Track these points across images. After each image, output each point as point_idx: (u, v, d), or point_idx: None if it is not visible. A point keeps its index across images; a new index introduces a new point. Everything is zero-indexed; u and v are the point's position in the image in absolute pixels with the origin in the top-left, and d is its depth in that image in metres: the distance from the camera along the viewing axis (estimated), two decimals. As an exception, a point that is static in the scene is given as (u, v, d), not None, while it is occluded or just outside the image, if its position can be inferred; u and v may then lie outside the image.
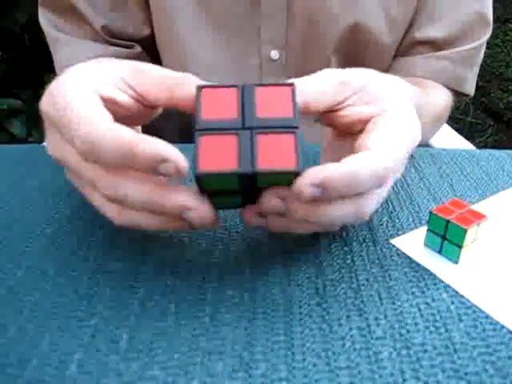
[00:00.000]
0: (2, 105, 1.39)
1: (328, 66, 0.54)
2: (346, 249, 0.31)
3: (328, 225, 0.29)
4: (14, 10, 1.41)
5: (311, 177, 0.24)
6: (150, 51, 0.60)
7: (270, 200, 0.26)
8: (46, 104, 0.28)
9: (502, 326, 0.25)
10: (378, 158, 0.26)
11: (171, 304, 0.27)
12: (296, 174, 0.24)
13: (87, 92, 0.27)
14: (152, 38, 0.59)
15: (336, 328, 0.25)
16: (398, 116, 0.29)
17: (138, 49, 0.59)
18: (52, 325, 0.25)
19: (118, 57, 0.54)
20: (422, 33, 0.55)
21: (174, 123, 0.59)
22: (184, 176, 0.24)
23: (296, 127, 0.25)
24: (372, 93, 0.30)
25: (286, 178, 0.25)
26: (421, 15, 0.55)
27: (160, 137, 0.25)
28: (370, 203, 0.27)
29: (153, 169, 0.24)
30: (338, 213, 0.26)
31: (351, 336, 0.25)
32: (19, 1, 1.40)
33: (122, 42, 0.57)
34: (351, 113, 0.30)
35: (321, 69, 0.30)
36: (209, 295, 0.27)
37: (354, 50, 0.55)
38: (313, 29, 0.53)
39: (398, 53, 0.58)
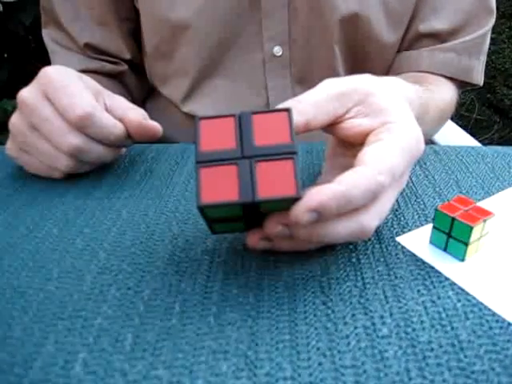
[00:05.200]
0: (6, 106, 1.40)
1: (332, 59, 0.54)
2: (350, 247, 0.31)
3: (332, 242, 0.29)
4: (19, 12, 1.42)
5: (306, 203, 0.25)
6: (136, 71, 0.63)
7: (274, 227, 0.27)
8: (29, 90, 0.37)
9: (509, 324, 0.25)
10: (372, 174, 0.26)
11: (176, 303, 0.27)
12: (296, 199, 0.25)
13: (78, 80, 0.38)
14: (136, 62, 0.62)
15: (341, 326, 0.25)
16: (398, 129, 0.29)
17: (125, 66, 0.61)
18: (57, 325, 0.25)
19: (101, 71, 0.61)
20: (425, 25, 0.55)
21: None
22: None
23: (294, 152, 0.25)
24: (373, 105, 0.30)
25: (288, 203, 0.25)
26: (423, 8, 0.55)
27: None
28: (371, 219, 0.27)
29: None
30: (340, 231, 0.27)
31: (356, 334, 0.24)
32: (25, 2, 1.41)
33: (106, 58, 0.60)
34: (351, 125, 0.30)
35: (325, 63, 0.30)
36: (213, 294, 0.27)
37: (357, 43, 0.55)
38: (315, 21, 0.53)
39: (403, 47, 0.57)
